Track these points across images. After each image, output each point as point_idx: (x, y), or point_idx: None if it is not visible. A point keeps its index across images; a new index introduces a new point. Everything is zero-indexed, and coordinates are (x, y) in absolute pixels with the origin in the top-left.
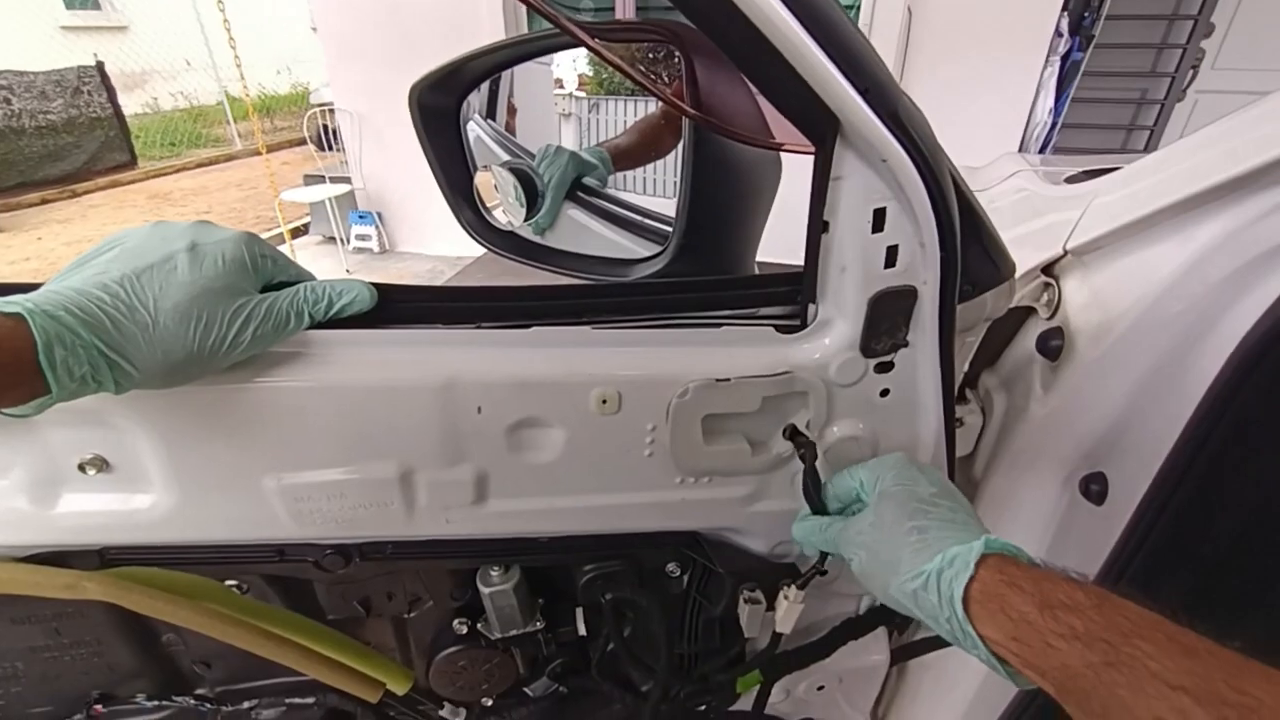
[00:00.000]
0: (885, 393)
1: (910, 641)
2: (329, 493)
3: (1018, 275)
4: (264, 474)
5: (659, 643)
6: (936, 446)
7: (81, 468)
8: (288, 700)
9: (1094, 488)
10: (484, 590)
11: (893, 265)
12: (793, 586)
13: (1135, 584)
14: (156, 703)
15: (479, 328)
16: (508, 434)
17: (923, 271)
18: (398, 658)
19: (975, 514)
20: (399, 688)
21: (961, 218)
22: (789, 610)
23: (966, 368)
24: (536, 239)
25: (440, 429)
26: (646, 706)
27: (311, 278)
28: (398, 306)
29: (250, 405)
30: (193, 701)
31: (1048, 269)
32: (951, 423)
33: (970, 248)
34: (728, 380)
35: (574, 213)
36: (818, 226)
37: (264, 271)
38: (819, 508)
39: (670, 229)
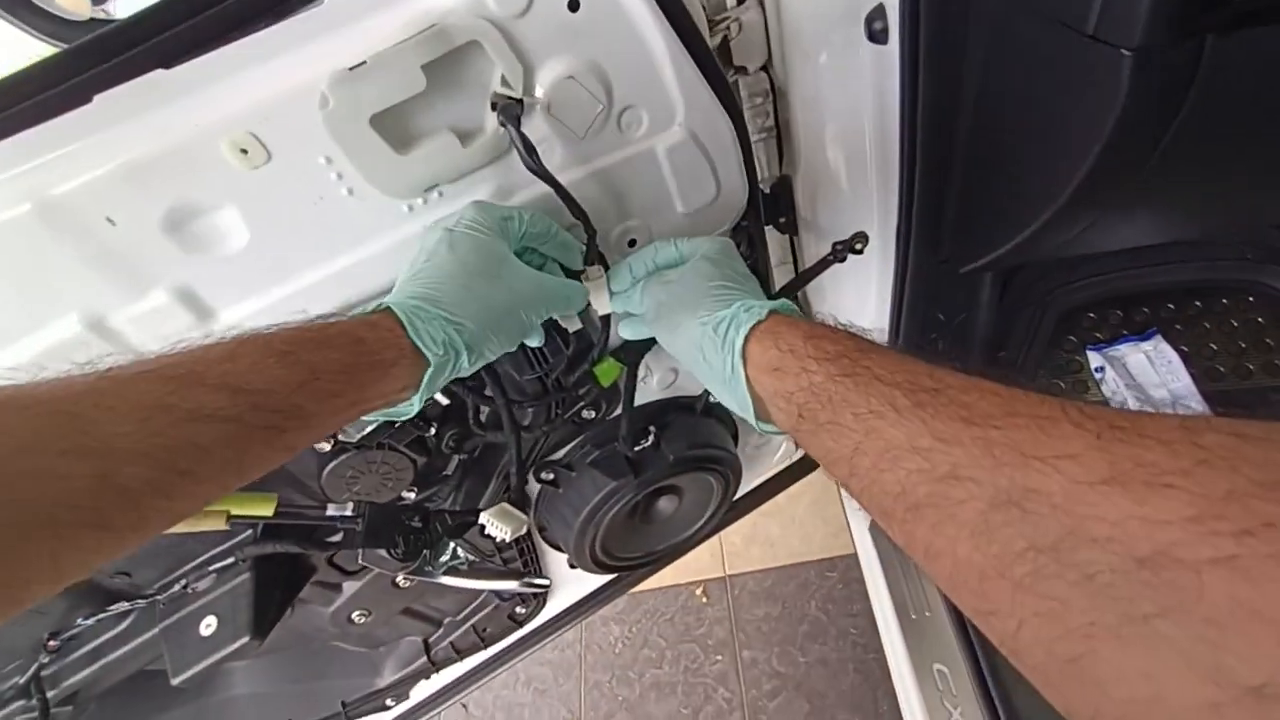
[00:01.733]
0: (574, 6)
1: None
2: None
3: None
4: None
5: (503, 374)
6: (677, 58)
7: None
8: (212, 569)
9: (877, 25)
10: None
11: None
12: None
13: (928, 126)
14: (97, 619)
15: (31, 127)
16: (170, 234)
17: None
18: (298, 501)
19: None
20: (265, 510)
21: None
22: (597, 288)
23: None
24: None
25: (86, 260)
26: (529, 436)
27: None
28: None
29: None
30: (127, 605)
31: None
32: (685, 20)
33: None
34: (362, 64)
35: None
36: None
37: None
38: (538, 170)
39: None
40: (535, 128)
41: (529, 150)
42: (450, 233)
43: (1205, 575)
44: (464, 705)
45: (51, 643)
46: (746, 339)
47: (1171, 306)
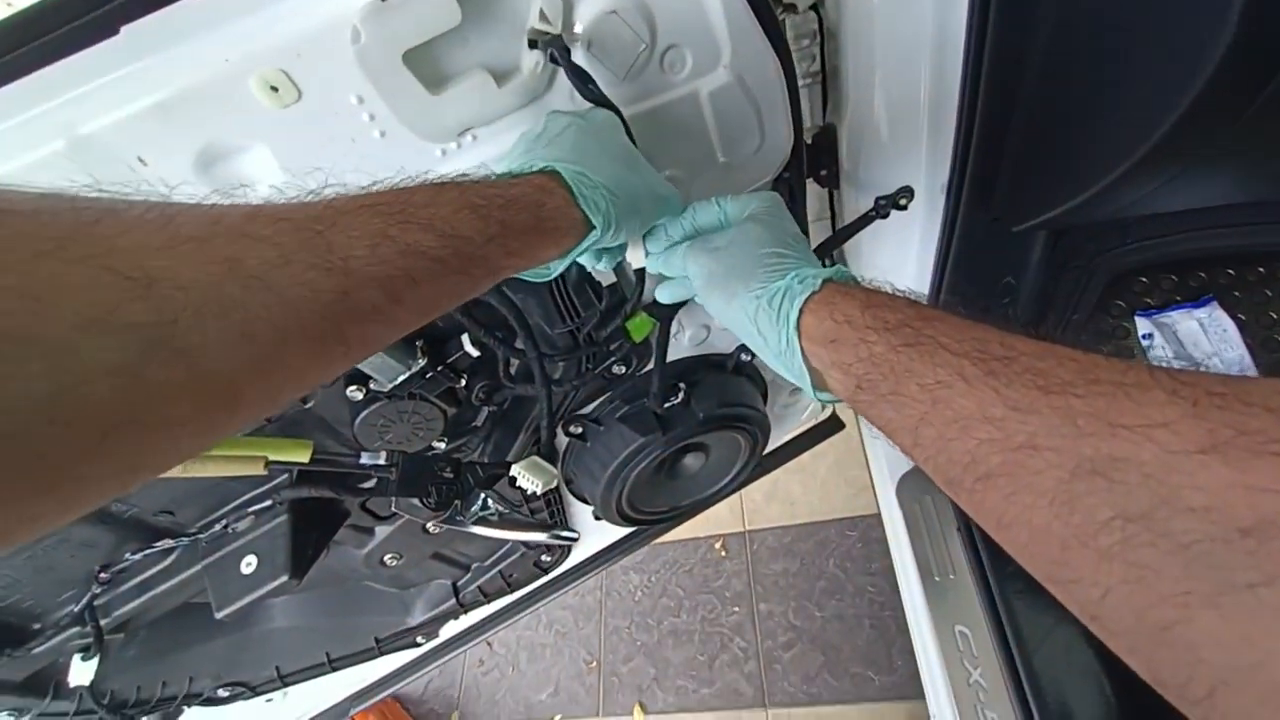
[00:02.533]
0: None
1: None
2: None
3: None
4: None
5: (535, 327)
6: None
7: None
8: (250, 510)
9: None
10: None
11: None
12: None
13: (994, 70)
14: (143, 554)
15: (59, 60)
16: (201, 174)
17: None
18: (333, 448)
19: None
20: (302, 456)
21: None
22: (634, 241)
23: None
24: None
25: None
26: (559, 390)
27: None
28: None
29: None
30: (171, 542)
31: None
32: None
33: None
34: None
35: None
36: None
37: None
38: (598, 98)
39: None
40: None
41: (583, 79)
42: (582, 119)
43: None
44: (489, 644)
45: (103, 575)
46: (801, 310)
47: (1231, 272)
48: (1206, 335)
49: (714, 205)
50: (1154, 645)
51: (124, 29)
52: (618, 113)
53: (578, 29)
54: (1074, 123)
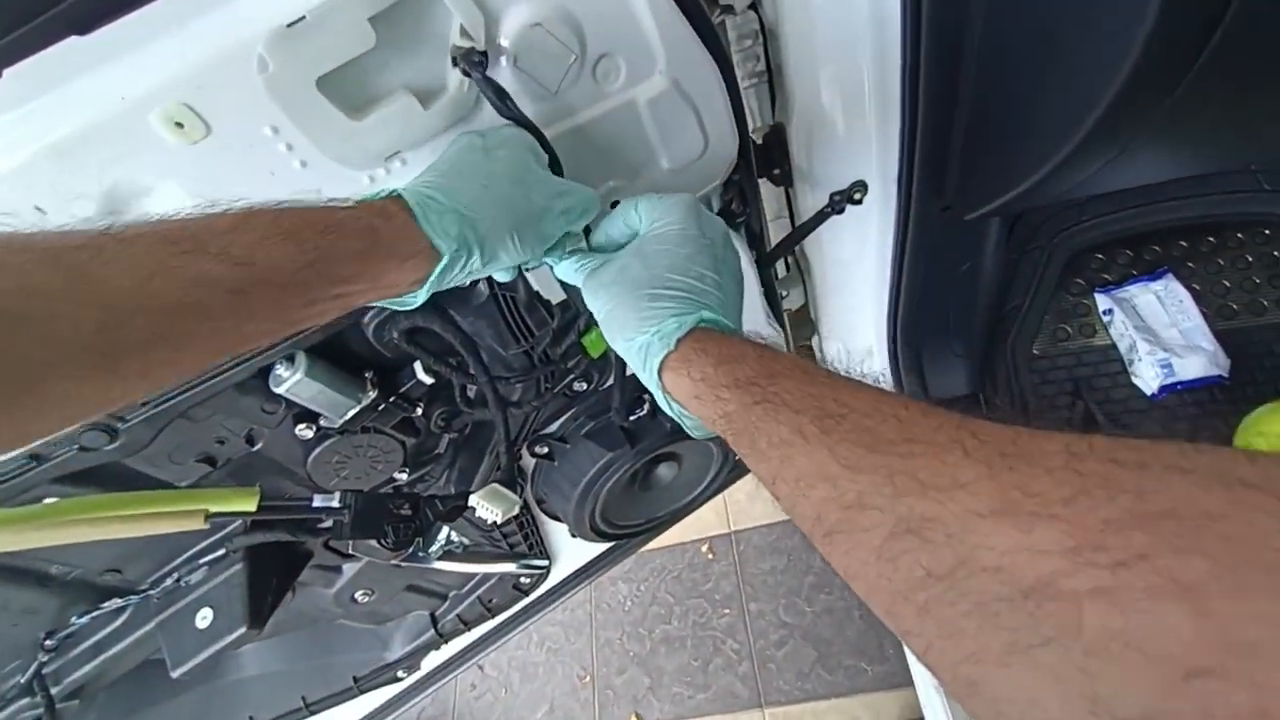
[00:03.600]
0: None
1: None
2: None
3: None
4: None
5: (488, 350)
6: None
7: None
8: (203, 561)
9: None
10: (281, 393)
11: None
12: None
13: (932, 60)
14: (90, 616)
15: None
16: (112, 214)
17: None
18: (289, 489)
19: (732, 282)
20: (248, 505)
21: None
22: None
23: None
24: None
25: None
26: (519, 411)
27: None
28: None
29: None
30: (121, 601)
31: None
32: None
33: None
34: (301, 19)
35: None
36: None
37: None
38: (514, 115)
39: None
40: (502, 83)
41: (500, 95)
42: (480, 138)
43: (1085, 607)
44: (480, 667)
45: (49, 641)
46: (663, 366)
47: (1184, 244)
48: (1164, 307)
49: (631, 207)
50: (968, 697)
51: (6, 72)
52: (531, 128)
53: (504, 43)
54: (1014, 110)
